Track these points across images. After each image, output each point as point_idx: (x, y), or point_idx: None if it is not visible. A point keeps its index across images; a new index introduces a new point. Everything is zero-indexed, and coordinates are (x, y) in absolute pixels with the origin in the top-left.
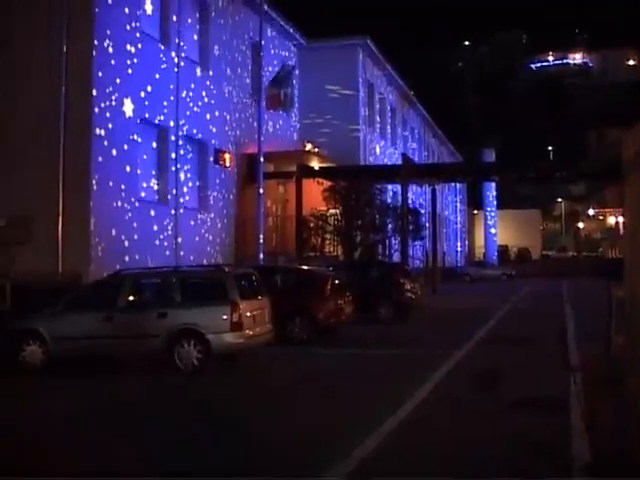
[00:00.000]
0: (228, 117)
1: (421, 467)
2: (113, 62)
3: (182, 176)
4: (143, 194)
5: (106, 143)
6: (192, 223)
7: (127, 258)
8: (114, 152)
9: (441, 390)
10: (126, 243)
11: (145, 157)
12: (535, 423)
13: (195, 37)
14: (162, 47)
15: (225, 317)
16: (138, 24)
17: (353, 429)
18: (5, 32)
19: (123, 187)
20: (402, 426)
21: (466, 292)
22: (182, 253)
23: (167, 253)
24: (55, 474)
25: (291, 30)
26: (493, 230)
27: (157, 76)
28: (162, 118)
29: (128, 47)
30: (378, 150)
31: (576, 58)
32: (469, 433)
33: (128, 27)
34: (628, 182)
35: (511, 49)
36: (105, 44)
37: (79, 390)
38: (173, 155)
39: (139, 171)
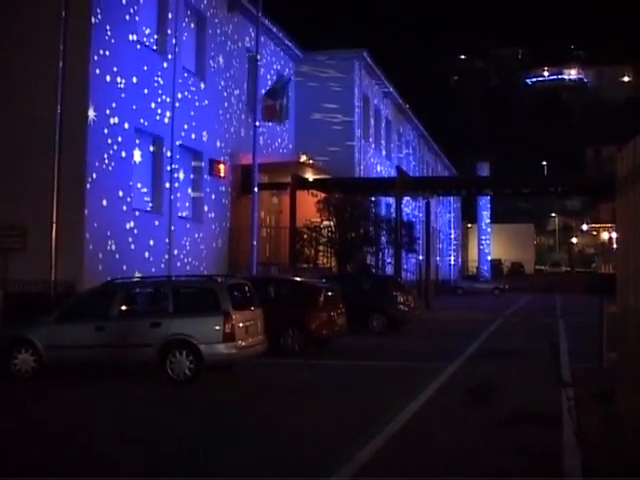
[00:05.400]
0: (224, 127)
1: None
2: (110, 72)
3: (177, 186)
4: (137, 203)
5: (101, 152)
6: (186, 232)
7: (121, 267)
8: (109, 161)
9: (433, 404)
10: (120, 252)
11: (140, 167)
12: (528, 437)
13: (192, 47)
14: (159, 57)
15: (217, 327)
16: (135, 34)
17: (342, 442)
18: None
19: (117, 196)
20: (392, 440)
21: (459, 305)
22: (176, 261)
23: (161, 262)
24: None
25: (288, 42)
26: (486, 244)
27: (153, 86)
28: (158, 128)
29: (125, 57)
30: (373, 162)
31: (571, 74)
32: (461, 445)
33: (125, 37)
34: (621, 199)
35: (507, 64)
36: (102, 54)
37: (67, 398)
38: (168, 165)
39: (134, 180)
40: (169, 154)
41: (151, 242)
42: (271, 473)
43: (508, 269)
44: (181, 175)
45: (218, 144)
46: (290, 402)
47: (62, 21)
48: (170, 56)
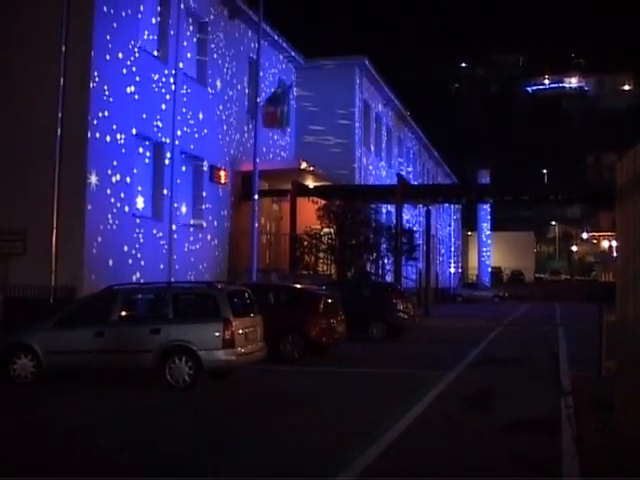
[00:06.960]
0: (224, 134)
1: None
2: (111, 77)
3: (177, 192)
4: (138, 209)
5: (102, 157)
6: (186, 239)
7: (121, 273)
8: (110, 166)
9: (434, 410)
10: (120, 258)
11: (140, 172)
12: (527, 443)
13: (193, 54)
14: (160, 63)
15: (217, 334)
16: (136, 40)
17: (343, 446)
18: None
19: (118, 202)
20: (392, 445)
21: (459, 313)
22: (176, 268)
23: (161, 268)
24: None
25: (289, 48)
26: (487, 252)
27: (154, 92)
28: (158, 134)
29: (126, 63)
30: (373, 170)
31: (572, 82)
32: (461, 450)
33: (126, 43)
34: (621, 207)
35: (508, 71)
36: (103, 59)
37: (67, 403)
38: (169, 171)
39: (134, 186)
40: (170, 160)
41: (151, 248)
42: (271, 474)
43: (508, 277)
44: (182, 181)
45: (219, 150)
46: (289, 407)
47: (64, 27)
48: (171, 62)
